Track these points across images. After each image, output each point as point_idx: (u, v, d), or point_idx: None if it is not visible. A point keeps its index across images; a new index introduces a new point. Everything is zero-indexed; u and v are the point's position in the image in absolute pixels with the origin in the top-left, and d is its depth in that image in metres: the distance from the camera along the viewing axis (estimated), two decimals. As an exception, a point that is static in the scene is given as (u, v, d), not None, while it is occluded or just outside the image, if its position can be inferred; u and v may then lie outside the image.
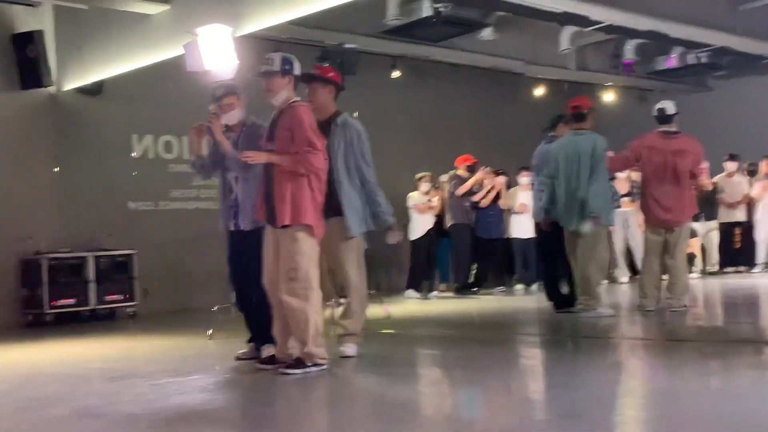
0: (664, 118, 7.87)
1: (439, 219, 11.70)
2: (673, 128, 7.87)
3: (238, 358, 6.22)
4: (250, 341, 6.28)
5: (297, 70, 5.65)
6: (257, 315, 6.11)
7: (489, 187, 11.59)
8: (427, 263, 11.48)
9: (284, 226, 5.41)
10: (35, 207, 10.45)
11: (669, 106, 7.93)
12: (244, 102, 6.23)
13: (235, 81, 7.57)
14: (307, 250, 5.44)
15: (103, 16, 9.76)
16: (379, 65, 12.46)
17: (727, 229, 12.63)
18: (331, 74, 6.17)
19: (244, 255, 6.05)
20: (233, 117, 6.13)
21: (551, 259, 8.41)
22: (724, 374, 5.11)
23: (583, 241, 7.82)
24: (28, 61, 10.31)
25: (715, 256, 12.66)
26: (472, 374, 5.60)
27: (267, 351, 6.00)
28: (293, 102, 5.59)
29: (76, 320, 10.07)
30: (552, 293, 8.47)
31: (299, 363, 5.43)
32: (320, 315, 5.56)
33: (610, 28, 12.32)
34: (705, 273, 12.42)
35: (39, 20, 10.48)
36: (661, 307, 7.88)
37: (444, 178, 11.87)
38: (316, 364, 5.42)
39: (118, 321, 10.32)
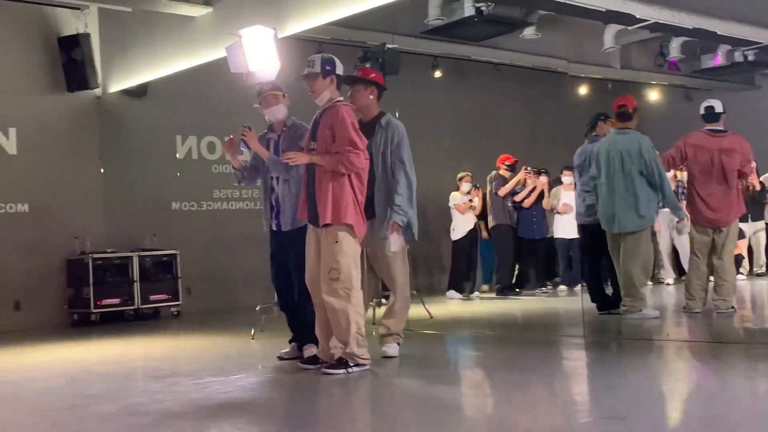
0: (711, 116, 7.78)
1: (485, 219, 11.66)
2: (720, 127, 7.78)
3: (281, 358, 6.27)
4: (292, 341, 6.33)
5: (339, 69, 5.69)
6: (299, 315, 6.17)
7: (531, 186, 11.53)
8: (467, 264, 11.45)
9: (325, 226, 5.44)
10: (81, 207, 10.61)
11: (717, 105, 7.83)
12: (287, 101, 6.28)
13: (278, 81, 7.66)
14: (348, 250, 5.46)
15: (147, 19, 9.88)
16: (420, 65, 12.45)
17: (775, 230, 12.45)
18: (372, 75, 6.23)
19: (285, 255, 6.12)
20: (276, 113, 6.21)
21: (595, 260, 8.34)
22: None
23: (626, 241, 7.75)
24: (74, 63, 10.45)
25: (763, 257, 12.47)
26: (514, 375, 5.58)
27: (309, 351, 6.06)
28: (336, 102, 5.63)
29: (121, 319, 10.21)
30: (596, 294, 8.40)
31: (341, 363, 5.45)
32: (362, 315, 5.58)
33: (655, 26, 12.18)
34: (753, 274, 12.24)
35: (84, 23, 10.60)
36: (707, 308, 7.78)
37: (488, 177, 11.82)
38: (357, 365, 5.45)
39: (162, 320, 10.43)
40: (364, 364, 5.48)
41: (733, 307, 7.80)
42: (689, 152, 7.83)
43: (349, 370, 5.42)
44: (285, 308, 6.38)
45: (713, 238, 7.74)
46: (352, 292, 5.45)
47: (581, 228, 8.67)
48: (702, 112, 7.85)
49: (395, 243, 5.94)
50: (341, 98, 5.70)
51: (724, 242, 7.71)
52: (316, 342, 6.04)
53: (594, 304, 8.31)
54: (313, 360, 5.76)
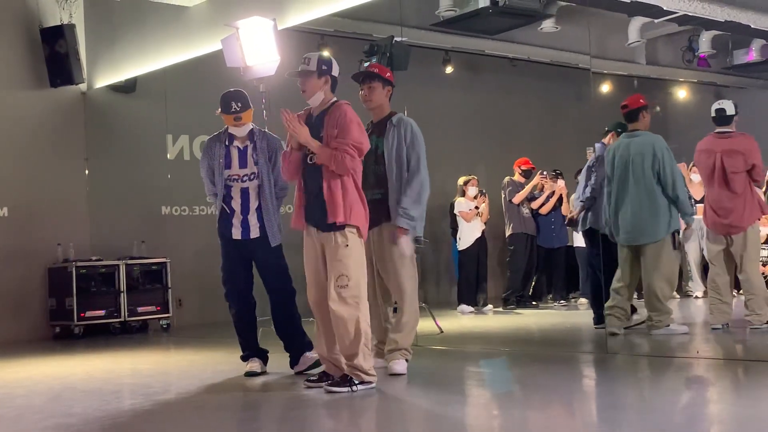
0: (722, 119, 7.78)
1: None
2: (730, 129, 7.76)
3: (252, 374, 6.40)
4: (250, 356, 6.50)
5: (335, 71, 5.78)
6: (295, 331, 6.39)
7: (548, 192, 11.54)
8: (477, 274, 11.43)
9: (334, 228, 5.46)
10: (64, 212, 10.64)
11: (728, 106, 7.80)
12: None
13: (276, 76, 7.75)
14: (357, 255, 5.51)
15: (136, 9, 9.93)
16: (431, 59, 12.47)
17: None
18: (388, 74, 6.39)
19: (249, 264, 6.43)
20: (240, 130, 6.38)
21: (596, 268, 8.33)
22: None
23: (645, 254, 7.75)
24: (57, 56, 10.49)
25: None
26: (530, 394, 5.61)
27: (309, 357, 6.30)
28: (336, 101, 5.70)
29: (107, 332, 10.25)
30: (595, 306, 8.43)
31: (345, 380, 5.47)
32: (369, 325, 5.60)
33: (683, 19, 12.21)
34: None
35: (69, 13, 10.64)
36: (740, 323, 7.74)
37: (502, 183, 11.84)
38: (363, 382, 5.46)
39: (151, 334, 10.47)
40: (370, 382, 5.49)
41: None
42: (697, 157, 7.93)
43: (354, 388, 5.43)
44: (244, 322, 6.52)
45: (728, 247, 7.72)
46: (361, 300, 5.48)
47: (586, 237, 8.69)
48: (713, 114, 7.84)
49: (406, 247, 5.99)
50: (335, 98, 5.75)
51: (742, 252, 7.63)
52: (308, 348, 6.27)
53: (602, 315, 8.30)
54: (321, 377, 5.75)
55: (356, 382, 5.45)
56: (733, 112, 7.79)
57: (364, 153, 5.60)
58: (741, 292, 7.92)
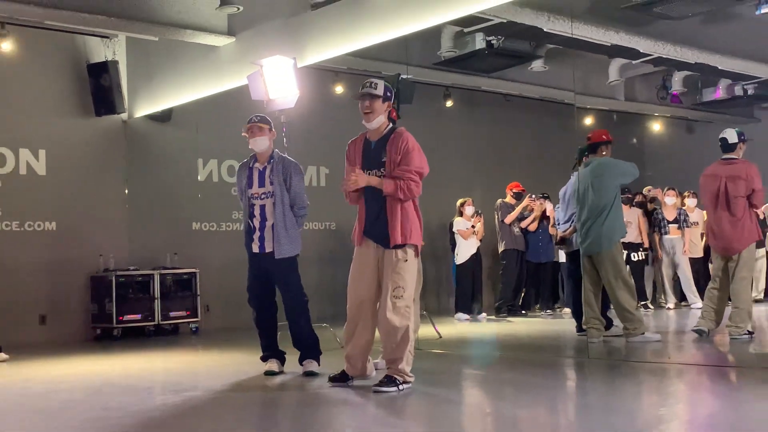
0: (725, 147, 7.75)
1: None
2: (733, 156, 7.72)
3: (270, 373, 6.39)
4: (268, 357, 6.49)
5: (392, 99, 5.67)
6: (293, 332, 6.40)
7: (537, 212, 11.55)
8: (472, 286, 11.40)
9: (396, 246, 5.41)
10: (106, 226, 10.67)
11: (730, 135, 7.77)
12: (273, 135, 6.48)
13: (292, 109, 7.77)
14: (413, 270, 5.46)
15: (172, 48, 9.96)
16: (433, 95, 12.51)
17: (774, 257, 12.40)
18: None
19: (268, 275, 6.39)
20: (260, 143, 6.41)
21: (577, 283, 8.32)
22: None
23: (605, 269, 7.74)
24: (102, 89, 10.55)
25: (762, 283, 12.41)
26: (519, 394, 5.57)
27: (309, 365, 6.28)
28: (395, 127, 5.59)
29: (142, 335, 10.24)
30: (577, 314, 8.43)
31: (392, 381, 5.37)
32: (414, 333, 5.57)
33: (658, 60, 12.24)
34: (753, 300, 12.17)
35: (113, 51, 10.72)
36: (723, 332, 7.67)
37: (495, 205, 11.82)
38: (405, 381, 5.41)
39: (181, 336, 10.46)
40: (410, 382, 5.45)
41: (749, 332, 7.60)
42: (702, 182, 7.86)
43: (401, 387, 5.36)
44: (263, 326, 6.50)
45: (726, 265, 7.67)
46: (411, 311, 5.44)
47: (567, 255, 8.75)
48: (719, 142, 7.83)
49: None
50: (392, 125, 5.62)
51: (737, 269, 7.57)
52: (315, 357, 6.24)
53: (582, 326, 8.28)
54: (342, 377, 5.70)
55: (399, 381, 5.38)
56: (736, 140, 7.72)
57: (425, 176, 5.50)
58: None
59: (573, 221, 8.46)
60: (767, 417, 4.59)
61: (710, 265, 7.90)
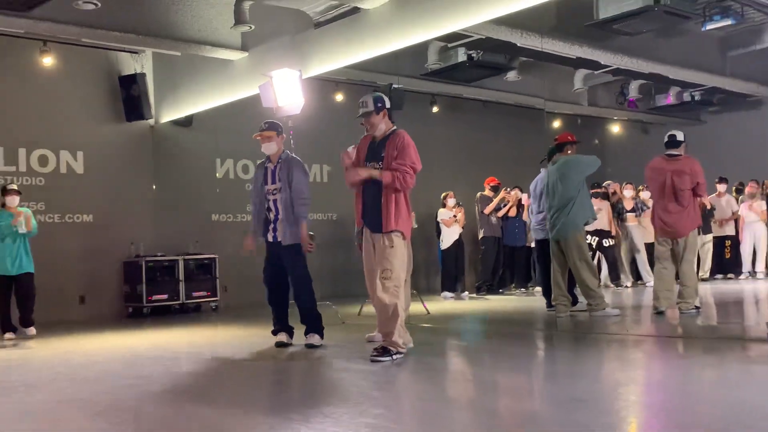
0: (671, 143, 7.75)
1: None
2: (677, 152, 7.73)
3: (282, 344, 6.39)
4: (279, 331, 6.47)
5: (388, 104, 5.67)
6: (300, 308, 6.36)
7: (513, 201, 11.61)
8: (455, 268, 11.43)
9: (384, 232, 5.41)
10: (136, 218, 10.65)
11: (679, 134, 7.79)
12: (281, 139, 6.46)
13: (300, 114, 7.75)
14: (399, 253, 5.44)
15: (193, 62, 9.94)
16: (421, 102, 12.50)
17: (718, 242, 12.45)
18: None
19: (279, 260, 6.35)
20: (268, 148, 6.39)
21: (546, 265, 8.34)
22: (719, 367, 4.99)
23: (570, 252, 7.76)
24: (132, 98, 10.53)
25: (708, 265, 12.46)
26: (497, 363, 5.59)
27: (312, 338, 6.28)
28: (396, 129, 5.61)
29: (168, 312, 10.24)
30: (546, 293, 8.47)
31: (386, 351, 5.38)
32: (404, 310, 5.55)
33: (616, 71, 12.24)
34: (699, 279, 12.21)
35: (141, 65, 10.69)
36: (673, 308, 7.69)
37: (476, 198, 11.84)
38: (398, 352, 5.41)
39: (203, 313, 10.45)
40: (402, 352, 5.45)
41: (696, 307, 7.65)
42: (649, 174, 7.85)
43: (394, 357, 5.36)
44: (274, 303, 6.50)
45: (673, 248, 7.68)
46: (400, 289, 5.43)
47: (536, 241, 8.78)
48: (666, 139, 7.81)
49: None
50: (395, 126, 5.65)
51: (683, 252, 7.60)
52: (317, 331, 6.25)
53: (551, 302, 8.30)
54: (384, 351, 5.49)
55: (393, 352, 5.38)
56: (682, 139, 7.74)
57: (419, 168, 5.49)
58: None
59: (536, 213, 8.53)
60: (711, 380, 4.62)
61: (657, 249, 7.88)
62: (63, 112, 10.27)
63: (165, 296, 10.22)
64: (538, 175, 8.74)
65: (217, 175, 11.42)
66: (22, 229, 7.97)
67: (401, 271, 5.47)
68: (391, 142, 5.53)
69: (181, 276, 10.35)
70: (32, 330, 8.06)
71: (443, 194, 11.39)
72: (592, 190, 11.08)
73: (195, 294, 10.47)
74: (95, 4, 7.90)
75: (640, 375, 4.96)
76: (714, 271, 12.45)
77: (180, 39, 8.94)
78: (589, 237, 10.78)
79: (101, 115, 10.59)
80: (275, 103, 8.06)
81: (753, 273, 12.21)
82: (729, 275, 12.38)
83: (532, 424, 3.64)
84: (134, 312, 10.19)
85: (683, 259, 7.59)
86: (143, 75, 10.58)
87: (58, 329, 8.21)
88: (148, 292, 10.08)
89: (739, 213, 12.40)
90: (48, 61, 9.90)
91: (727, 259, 12.45)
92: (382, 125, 5.60)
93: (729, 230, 12.40)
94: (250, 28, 8.80)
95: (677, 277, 7.69)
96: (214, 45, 9.10)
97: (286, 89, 8.04)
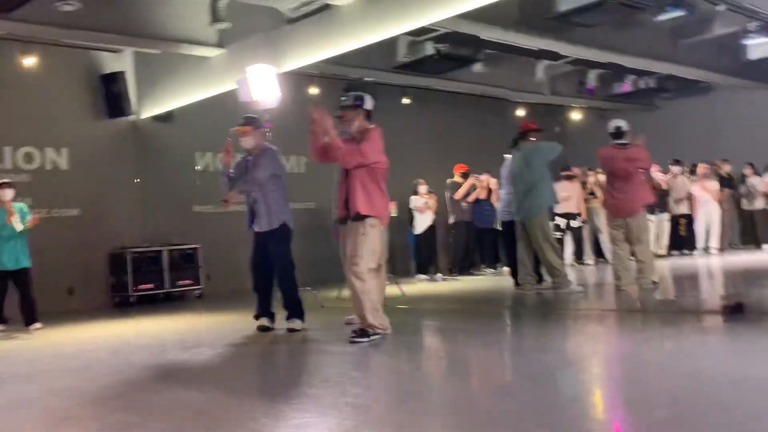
0: (618, 134, 7.82)
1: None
2: (625, 141, 7.81)
3: (265, 328, 6.35)
4: (261, 315, 6.42)
5: (368, 105, 5.57)
6: (283, 293, 6.33)
7: (484, 185, 11.68)
8: (429, 252, 11.44)
9: (355, 219, 5.37)
10: (120, 211, 10.54)
11: (623, 124, 7.87)
12: (258, 133, 6.37)
13: (275, 108, 7.69)
14: (370, 241, 5.36)
15: (172, 59, 9.82)
16: (392, 94, 12.48)
17: (674, 221, 12.61)
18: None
19: (265, 249, 6.28)
20: (245, 142, 6.33)
21: (513, 246, 8.38)
22: (676, 338, 5.05)
23: (535, 233, 7.81)
24: (113, 96, 10.41)
25: (664, 241, 12.62)
26: (469, 340, 5.61)
27: (293, 323, 6.23)
28: (370, 126, 5.52)
29: (154, 301, 10.16)
30: (514, 272, 8.52)
31: (364, 333, 5.34)
32: (377, 292, 5.48)
33: (576, 61, 12.31)
34: (656, 255, 12.35)
35: (121, 63, 10.55)
36: (632, 284, 7.77)
37: (446, 184, 11.85)
38: (376, 333, 5.37)
39: (187, 301, 10.39)
40: (379, 333, 5.39)
41: (654, 283, 7.72)
42: (601, 162, 7.95)
43: (372, 338, 5.31)
44: (259, 290, 6.44)
45: (626, 229, 7.75)
46: (370, 275, 5.37)
47: (503, 223, 8.84)
48: (611, 130, 7.83)
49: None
50: (371, 126, 5.55)
51: (637, 230, 7.66)
52: (298, 316, 6.21)
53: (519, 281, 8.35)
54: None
55: (370, 333, 5.35)
56: (626, 129, 7.81)
57: (368, 161, 5.33)
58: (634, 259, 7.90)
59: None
60: (670, 351, 4.68)
61: (611, 232, 7.93)
62: (47, 110, 10.10)
63: (150, 286, 10.13)
64: (504, 161, 8.76)
65: (197, 167, 11.32)
66: (19, 227, 7.82)
67: (370, 258, 5.39)
68: (360, 136, 5.48)
69: (166, 266, 10.27)
70: (37, 324, 7.89)
71: (415, 182, 11.40)
72: (562, 172, 11.17)
73: (179, 283, 10.39)
74: (75, 6, 7.76)
75: (603, 348, 5.01)
76: (670, 247, 12.63)
77: (159, 38, 8.82)
78: (558, 218, 10.87)
79: (84, 113, 10.43)
80: (252, 98, 7.99)
81: (707, 249, 12.40)
82: (684, 251, 12.57)
83: (504, 396, 3.66)
84: (121, 302, 10.09)
85: (637, 238, 7.67)
86: (123, 73, 10.45)
87: (47, 320, 8.09)
88: (134, 282, 9.99)
89: (692, 193, 12.57)
90: (29, 61, 9.72)
91: (683, 237, 12.64)
92: (356, 123, 5.51)
93: (684, 209, 12.58)
94: (227, 25, 8.72)
95: (631, 255, 7.78)
96: (191, 43, 9.00)
97: (262, 84, 7.96)
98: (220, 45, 9.19)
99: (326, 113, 5.48)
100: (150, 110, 10.67)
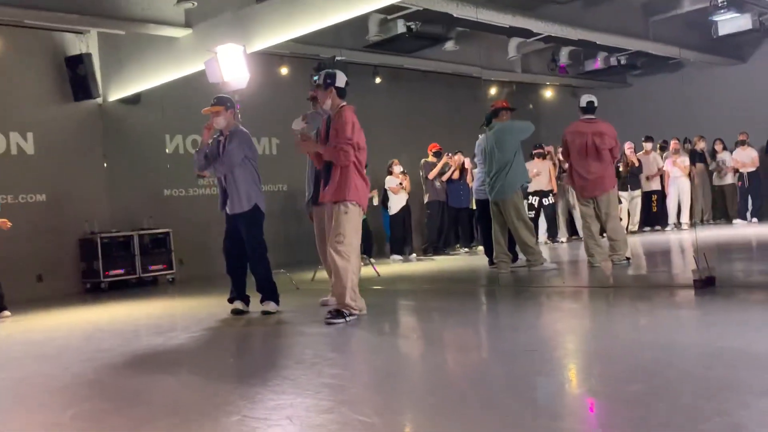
0: (589, 108, 7.87)
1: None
2: (593, 116, 7.85)
3: (239, 311, 6.33)
4: (235, 299, 6.39)
5: (339, 82, 5.58)
6: (255, 275, 6.29)
7: (457, 164, 11.69)
8: (403, 233, 11.46)
9: (337, 202, 5.40)
10: (89, 196, 10.41)
11: (595, 99, 7.93)
12: (228, 114, 6.30)
13: (245, 89, 7.62)
14: (352, 221, 5.41)
15: (138, 40, 9.68)
16: (363, 73, 12.40)
17: (646, 197, 12.74)
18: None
19: (237, 231, 6.24)
20: (216, 123, 6.24)
21: (488, 225, 8.42)
22: (649, 313, 5.12)
23: (508, 213, 7.85)
24: (79, 78, 10.23)
25: (637, 218, 12.76)
26: (444, 319, 5.64)
27: (267, 306, 6.22)
28: (341, 106, 5.54)
29: (126, 286, 10.06)
30: (488, 251, 8.55)
31: (340, 314, 5.36)
32: (356, 274, 5.52)
33: (547, 38, 12.32)
34: (628, 232, 12.49)
35: (86, 45, 10.36)
36: (606, 260, 7.83)
37: (420, 164, 11.85)
38: (351, 314, 5.40)
39: (160, 286, 10.30)
40: (356, 313, 5.43)
41: (627, 258, 7.80)
42: (569, 138, 7.94)
43: (348, 318, 5.34)
44: (232, 272, 6.40)
45: (595, 206, 7.83)
46: (352, 254, 5.40)
47: (477, 202, 8.87)
48: (583, 104, 7.89)
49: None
50: (344, 103, 5.57)
51: (607, 208, 7.76)
52: (272, 298, 6.18)
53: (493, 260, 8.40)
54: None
55: (347, 314, 5.37)
56: (596, 104, 7.87)
57: (357, 146, 5.41)
58: (606, 237, 7.97)
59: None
60: (643, 325, 4.74)
61: (581, 209, 7.99)
62: (10, 94, 9.90)
63: (122, 271, 10.04)
64: (477, 140, 8.77)
65: (167, 150, 11.19)
66: None
67: (353, 237, 5.44)
68: (334, 120, 5.51)
69: (137, 251, 10.18)
70: (6, 313, 7.78)
71: (389, 162, 11.38)
72: (534, 150, 11.21)
73: (151, 268, 10.31)
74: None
75: (578, 324, 5.06)
76: (642, 223, 12.78)
77: (124, 18, 8.68)
78: (530, 197, 10.93)
79: (49, 96, 10.25)
80: (221, 78, 7.89)
81: (678, 224, 12.56)
82: (656, 227, 12.72)
83: (480, 374, 3.68)
84: (92, 287, 9.99)
85: (608, 215, 7.74)
86: (89, 55, 10.27)
87: (16, 308, 7.99)
88: (104, 268, 9.89)
89: (664, 169, 12.71)
90: (-9, 43, 9.51)
91: (654, 213, 12.78)
92: (328, 101, 5.55)
93: (655, 185, 12.70)
94: (193, 4, 8.60)
95: (603, 232, 7.85)
96: (158, 23, 8.86)
97: (231, 64, 7.86)
98: (187, 25, 9.07)
99: (305, 136, 5.66)
100: (117, 93, 10.51)
